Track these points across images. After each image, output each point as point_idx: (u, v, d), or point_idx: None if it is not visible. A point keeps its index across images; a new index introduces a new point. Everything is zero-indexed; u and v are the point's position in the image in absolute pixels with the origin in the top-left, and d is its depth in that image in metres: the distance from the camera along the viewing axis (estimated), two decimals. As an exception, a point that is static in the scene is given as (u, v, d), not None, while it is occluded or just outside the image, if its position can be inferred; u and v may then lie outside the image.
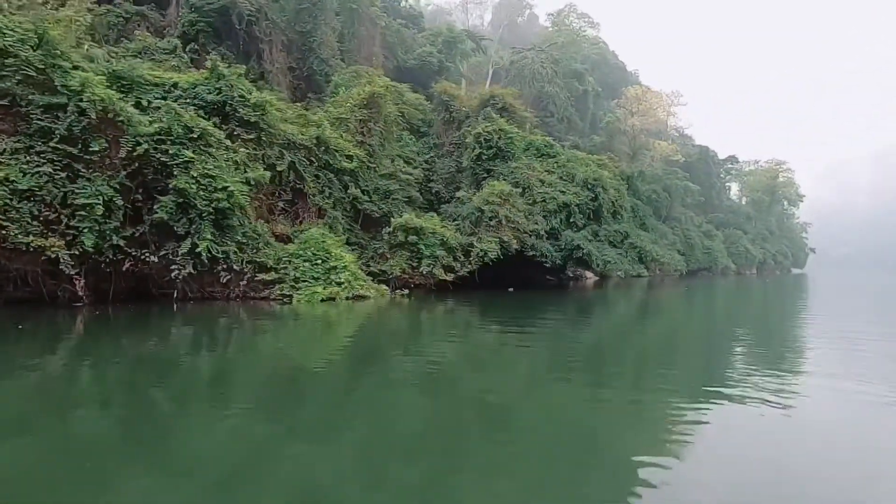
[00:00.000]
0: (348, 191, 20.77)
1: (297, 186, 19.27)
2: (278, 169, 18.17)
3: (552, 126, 53.83)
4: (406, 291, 20.12)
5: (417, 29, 50.07)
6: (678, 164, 71.80)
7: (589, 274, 48.81)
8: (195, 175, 14.83)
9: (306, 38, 29.83)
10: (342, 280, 16.67)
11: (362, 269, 20.59)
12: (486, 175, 25.60)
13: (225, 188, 15.02)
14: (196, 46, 26.42)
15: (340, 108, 22.39)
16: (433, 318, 16.08)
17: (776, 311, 22.49)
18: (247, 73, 29.00)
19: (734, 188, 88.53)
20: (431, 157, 28.75)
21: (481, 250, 21.68)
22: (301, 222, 19.33)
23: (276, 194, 18.90)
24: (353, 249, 20.99)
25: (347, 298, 16.56)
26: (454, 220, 23.76)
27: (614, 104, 61.32)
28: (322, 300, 15.91)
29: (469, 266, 21.78)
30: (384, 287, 19.14)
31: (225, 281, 15.89)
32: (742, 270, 69.68)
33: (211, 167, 15.25)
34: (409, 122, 30.94)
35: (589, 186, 26.77)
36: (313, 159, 19.79)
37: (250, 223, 16.50)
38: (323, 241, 17.38)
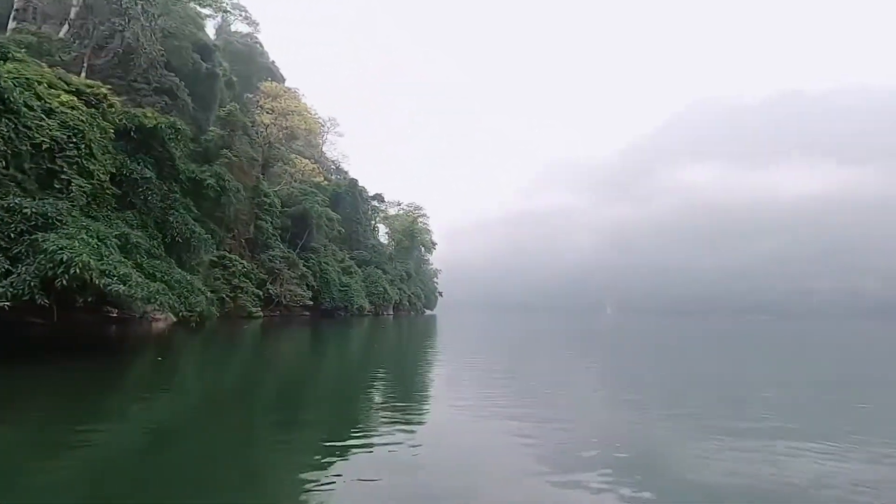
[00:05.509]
0: None
1: None
2: None
3: (145, 96, 37.04)
4: None
5: None
6: (326, 191, 65.00)
7: (160, 314, 32.98)
8: None
9: None
10: None
11: None
12: None
13: None
14: None
15: None
16: None
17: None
18: None
19: (382, 229, 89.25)
20: None
21: None
22: None
23: None
24: None
25: None
26: None
27: (247, 99, 49.08)
28: None
29: None
30: None
31: None
32: (380, 311, 66.75)
33: None
34: None
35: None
36: None
37: None
38: None
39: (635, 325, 57.95)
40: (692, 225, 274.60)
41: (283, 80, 79.01)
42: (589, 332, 41.41)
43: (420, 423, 7.61)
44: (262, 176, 46.56)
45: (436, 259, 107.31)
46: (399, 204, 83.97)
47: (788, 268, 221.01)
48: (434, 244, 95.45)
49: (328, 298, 52.64)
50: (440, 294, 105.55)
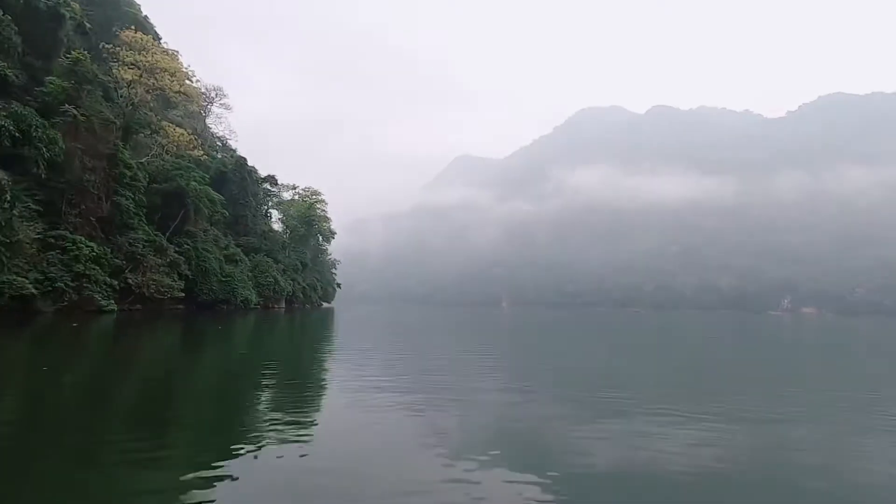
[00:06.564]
0: None
1: None
2: None
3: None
4: None
5: None
6: (209, 168, 57.26)
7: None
8: None
9: None
10: None
11: None
12: None
13: None
14: None
15: None
16: None
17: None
18: None
19: (276, 215, 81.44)
20: None
21: None
22: None
23: None
24: None
25: None
26: None
27: (103, 48, 40.65)
28: None
29: None
30: None
31: None
32: (270, 304, 60.31)
33: None
34: None
35: None
36: None
37: None
38: None
39: (524, 319, 58.11)
40: (582, 223, 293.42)
41: (157, 38, 68.46)
42: (482, 326, 40.20)
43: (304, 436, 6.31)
44: (122, 143, 38.77)
45: (335, 249, 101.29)
46: (295, 188, 77.17)
47: (661, 264, 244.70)
48: (333, 233, 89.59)
49: (207, 290, 45.94)
50: (338, 286, 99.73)
